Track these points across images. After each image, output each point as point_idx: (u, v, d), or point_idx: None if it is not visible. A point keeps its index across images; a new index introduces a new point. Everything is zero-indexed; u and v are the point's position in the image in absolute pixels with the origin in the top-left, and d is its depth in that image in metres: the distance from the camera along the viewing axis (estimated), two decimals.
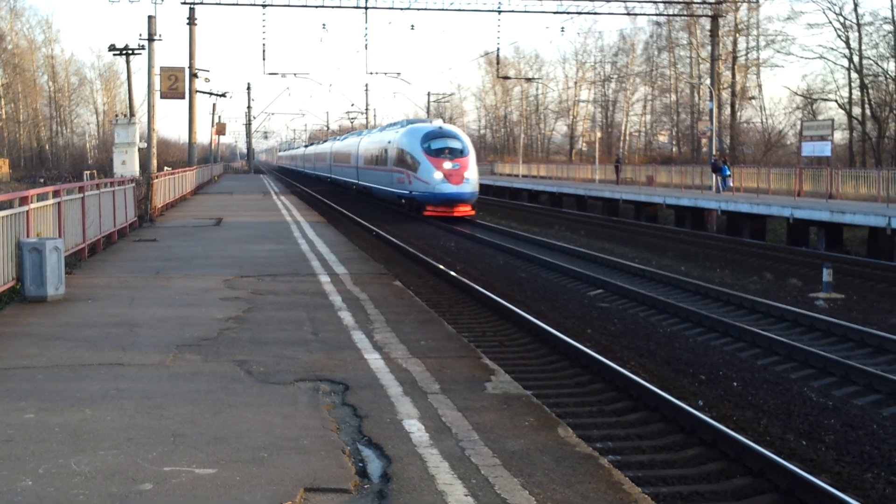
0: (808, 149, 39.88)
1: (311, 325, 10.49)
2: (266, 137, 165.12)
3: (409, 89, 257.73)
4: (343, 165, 59.19)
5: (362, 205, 43.12)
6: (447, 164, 35.85)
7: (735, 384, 10.80)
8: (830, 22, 57.07)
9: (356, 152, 52.25)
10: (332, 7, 40.14)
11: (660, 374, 11.32)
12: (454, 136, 38.15)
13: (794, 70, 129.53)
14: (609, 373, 10.84)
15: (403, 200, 38.87)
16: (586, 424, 9.13)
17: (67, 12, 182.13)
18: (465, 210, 36.08)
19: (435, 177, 35.70)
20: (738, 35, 64.07)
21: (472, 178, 36.35)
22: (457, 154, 36.59)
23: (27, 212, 12.81)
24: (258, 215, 28.90)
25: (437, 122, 40.66)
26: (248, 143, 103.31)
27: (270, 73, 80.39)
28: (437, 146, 36.83)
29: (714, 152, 44.86)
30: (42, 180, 65.79)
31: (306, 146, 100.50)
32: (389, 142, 41.66)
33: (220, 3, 40.19)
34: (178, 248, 18.60)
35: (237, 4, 39.93)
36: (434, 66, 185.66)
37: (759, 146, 64.16)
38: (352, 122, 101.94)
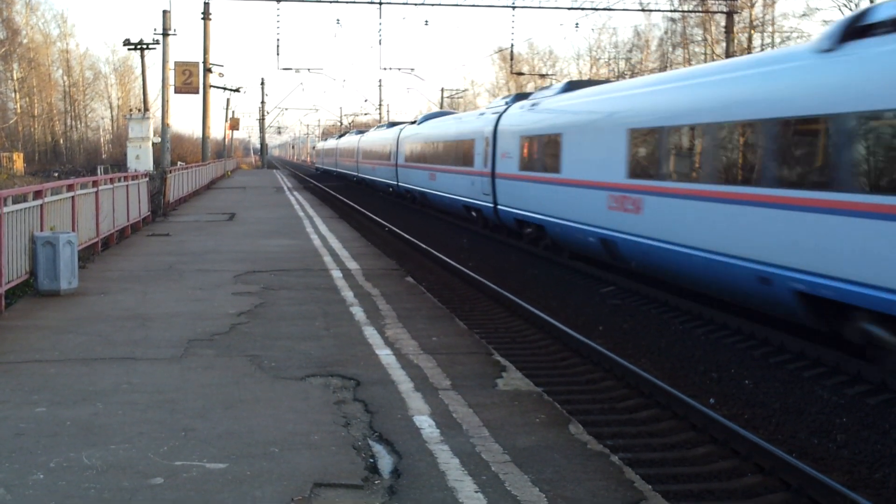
0: None
1: (323, 321, 10.51)
2: (279, 133, 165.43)
3: (423, 85, 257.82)
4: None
5: (374, 200, 43.12)
6: None
7: (747, 382, 10.77)
8: None
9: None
10: (347, 2, 40.13)
11: (671, 372, 11.29)
12: None
13: None
14: (620, 370, 10.82)
15: None
16: (597, 421, 9.12)
17: (82, 7, 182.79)
18: None
19: None
20: (753, 31, 63.84)
21: None
22: None
23: (41, 206, 12.87)
24: (271, 210, 28.96)
25: None
26: (262, 138, 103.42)
27: (284, 69, 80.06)
28: None
29: None
30: (56, 174, 66.10)
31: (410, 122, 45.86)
32: None
33: None
34: (190, 243, 18.66)
35: None
36: (448, 61, 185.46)
37: None
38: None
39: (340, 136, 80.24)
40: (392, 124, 49.59)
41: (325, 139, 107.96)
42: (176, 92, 46.82)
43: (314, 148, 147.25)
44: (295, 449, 6.07)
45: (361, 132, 63.24)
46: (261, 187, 45.99)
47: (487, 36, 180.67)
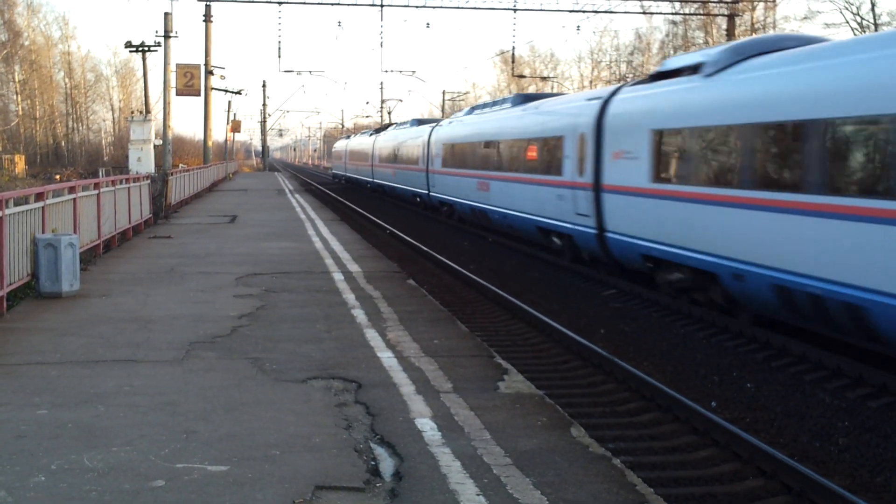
0: None
1: (325, 323, 10.51)
2: (281, 135, 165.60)
3: (424, 87, 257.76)
4: None
5: (376, 203, 43.11)
6: None
7: (748, 385, 10.76)
8: (847, 22, 56.87)
9: None
10: (348, 4, 40.12)
11: (673, 375, 11.28)
12: None
13: None
14: (622, 373, 10.81)
15: None
16: (599, 425, 9.11)
17: (84, 9, 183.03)
18: None
19: None
20: (754, 35, 63.82)
21: None
22: None
23: (42, 208, 12.87)
24: (272, 213, 28.96)
25: None
26: (263, 140, 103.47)
27: (286, 71, 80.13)
28: None
29: None
30: (58, 177, 66.07)
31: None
32: None
33: (236, 1, 40.21)
34: (192, 245, 18.66)
35: (253, 2, 39.95)
36: (449, 64, 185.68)
37: None
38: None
39: (377, 131, 56.62)
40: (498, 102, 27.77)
41: (348, 136, 78.41)
42: (177, 94, 46.80)
43: (314, 151, 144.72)
44: (296, 451, 6.07)
45: (420, 122, 43.26)
46: (262, 190, 46.00)
47: (489, 38, 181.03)
